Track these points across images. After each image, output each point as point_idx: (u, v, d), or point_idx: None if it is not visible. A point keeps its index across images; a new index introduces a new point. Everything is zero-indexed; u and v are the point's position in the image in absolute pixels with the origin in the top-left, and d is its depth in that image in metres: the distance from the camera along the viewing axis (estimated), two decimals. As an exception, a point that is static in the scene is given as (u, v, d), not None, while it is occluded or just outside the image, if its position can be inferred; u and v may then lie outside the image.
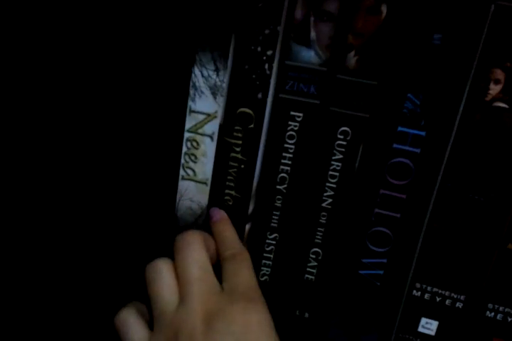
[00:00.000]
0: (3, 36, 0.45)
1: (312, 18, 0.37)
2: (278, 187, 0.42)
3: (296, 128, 0.40)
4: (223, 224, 0.43)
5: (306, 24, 0.37)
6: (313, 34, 0.37)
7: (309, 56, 0.38)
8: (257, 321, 0.36)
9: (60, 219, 0.50)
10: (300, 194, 0.41)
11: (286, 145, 0.40)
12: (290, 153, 0.41)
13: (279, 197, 0.42)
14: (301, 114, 0.39)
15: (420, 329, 0.42)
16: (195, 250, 0.39)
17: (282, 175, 0.41)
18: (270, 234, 0.43)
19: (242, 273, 0.39)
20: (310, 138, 0.40)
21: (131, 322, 0.38)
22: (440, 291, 0.41)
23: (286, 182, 0.41)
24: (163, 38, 0.42)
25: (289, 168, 0.41)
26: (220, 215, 0.44)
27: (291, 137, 0.40)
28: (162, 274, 0.39)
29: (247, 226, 0.44)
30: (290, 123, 0.40)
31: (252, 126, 0.41)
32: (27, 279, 0.52)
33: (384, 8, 0.36)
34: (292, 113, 0.40)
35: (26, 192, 0.50)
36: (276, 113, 0.40)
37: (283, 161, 0.41)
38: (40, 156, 0.48)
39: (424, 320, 0.42)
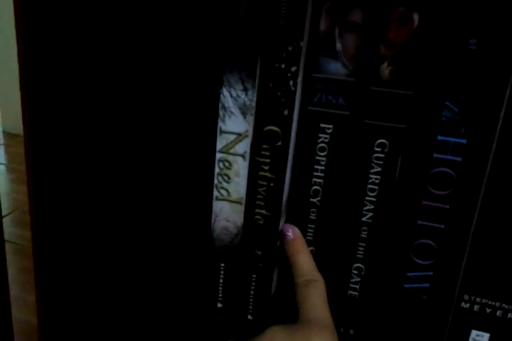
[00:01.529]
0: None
1: (337, 30, 0.35)
2: (311, 200, 0.39)
3: (326, 140, 0.37)
4: (298, 243, 0.40)
5: (331, 36, 0.35)
6: (338, 45, 0.35)
7: (336, 67, 0.36)
8: None
9: (98, 243, 0.48)
10: (337, 207, 0.39)
11: (317, 158, 0.38)
12: (322, 165, 0.38)
13: (313, 209, 0.39)
14: (331, 126, 0.37)
15: (471, 341, 0.39)
16: None
17: (315, 187, 0.39)
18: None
19: (316, 302, 0.38)
20: (344, 151, 0.37)
21: None
22: (490, 302, 0.38)
23: (320, 194, 0.39)
24: (192, 60, 0.40)
25: (321, 181, 0.39)
26: (294, 233, 0.40)
27: (322, 149, 0.38)
28: None
29: (279, 243, 0.41)
30: (320, 135, 0.37)
31: (279, 143, 0.39)
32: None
33: (416, 17, 0.33)
34: (322, 125, 0.37)
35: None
36: (305, 126, 0.38)
37: (315, 174, 0.39)
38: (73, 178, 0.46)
39: (474, 333, 0.39)
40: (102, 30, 0.42)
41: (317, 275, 0.39)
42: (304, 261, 0.39)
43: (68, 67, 0.43)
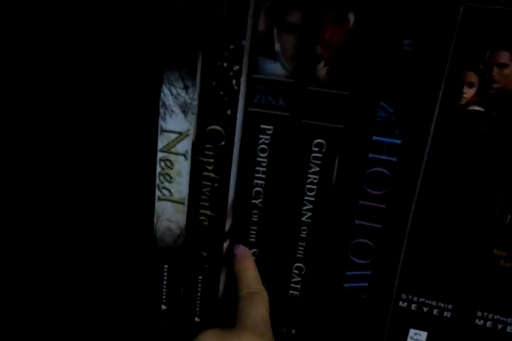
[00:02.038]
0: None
1: (275, 30, 0.34)
2: (253, 201, 0.39)
3: (267, 142, 0.37)
4: (245, 262, 0.40)
5: (269, 36, 0.34)
6: (277, 46, 0.35)
7: (275, 68, 0.35)
8: None
9: (40, 245, 0.46)
10: (278, 208, 0.38)
11: (258, 159, 0.37)
12: (263, 166, 0.37)
13: (255, 211, 0.39)
14: (271, 127, 0.36)
15: (409, 340, 0.39)
16: None
17: (257, 189, 0.38)
18: (249, 250, 0.40)
19: (255, 310, 0.37)
20: (284, 152, 0.37)
21: None
22: (427, 301, 0.38)
23: (262, 196, 0.38)
24: (131, 57, 0.39)
25: (263, 182, 0.38)
26: (242, 253, 0.41)
27: (263, 150, 0.37)
28: None
29: (225, 245, 0.40)
30: (261, 136, 0.37)
31: (222, 143, 0.38)
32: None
33: (351, 17, 0.33)
34: (262, 126, 0.37)
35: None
36: (247, 127, 0.37)
37: (257, 175, 0.38)
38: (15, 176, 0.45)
39: (412, 331, 0.39)
40: (30, 25, 0.40)
41: (261, 288, 0.39)
42: (250, 275, 0.39)
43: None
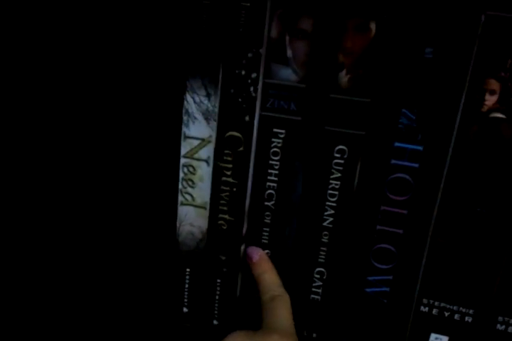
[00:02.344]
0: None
1: (287, 37, 0.35)
2: (266, 203, 0.39)
3: (279, 145, 0.37)
4: (263, 264, 0.40)
5: (282, 43, 0.35)
6: (289, 52, 0.35)
7: (287, 73, 0.36)
8: None
9: (58, 252, 0.47)
10: (297, 212, 0.39)
11: (271, 162, 0.38)
12: (275, 169, 0.38)
13: (268, 213, 0.39)
14: (283, 131, 0.37)
15: (430, 344, 0.39)
16: None
17: (269, 191, 0.39)
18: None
19: (280, 314, 0.37)
20: (302, 157, 0.37)
21: None
22: (448, 306, 0.38)
23: (274, 198, 0.39)
24: (156, 66, 0.40)
25: (275, 184, 0.38)
26: (258, 255, 0.40)
27: (275, 154, 0.38)
28: None
29: (242, 248, 0.41)
30: (273, 140, 0.37)
31: (241, 148, 0.39)
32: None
33: (373, 26, 0.33)
34: (275, 130, 0.37)
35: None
36: (261, 131, 0.37)
37: (269, 178, 0.38)
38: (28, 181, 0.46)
39: (433, 336, 0.39)
40: (61, 31, 0.41)
41: (283, 291, 0.38)
42: (269, 279, 0.39)
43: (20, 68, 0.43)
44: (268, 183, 0.39)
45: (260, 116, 0.37)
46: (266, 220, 0.40)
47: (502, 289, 0.36)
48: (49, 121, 0.44)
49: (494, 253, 0.35)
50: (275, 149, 0.38)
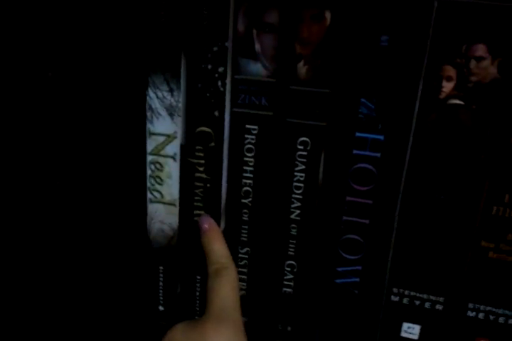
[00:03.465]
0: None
1: (255, 31, 0.34)
2: (243, 200, 0.38)
3: (253, 141, 0.37)
4: (212, 233, 0.39)
5: (249, 37, 0.34)
6: (257, 46, 0.34)
7: (257, 68, 0.35)
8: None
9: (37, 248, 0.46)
10: (267, 207, 0.38)
11: (246, 159, 0.37)
12: (251, 166, 0.37)
13: (245, 210, 0.39)
14: (256, 127, 0.36)
15: (403, 334, 0.39)
16: None
17: (246, 188, 0.38)
18: (242, 248, 0.40)
19: (221, 292, 0.35)
20: (270, 151, 0.37)
21: None
22: (418, 295, 0.37)
23: (251, 195, 0.38)
24: (116, 62, 0.39)
25: (251, 182, 0.38)
26: (208, 224, 0.39)
27: (249, 150, 0.37)
28: None
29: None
30: (247, 136, 0.37)
31: (212, 144, 0.38)
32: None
33: (328, 15, 0.32)
34: (248, 126, 0.36)
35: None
36: (233, 128, 0.37)
37: (245, 175, 0.38)
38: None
39: (406, 325, 0.38)
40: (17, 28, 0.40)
41: (228, 263, 0.37)
42: (217, 249, 0.38)
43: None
44: (244, 180, 0.38)
45: (232, 112, 0.37)
46: (244, 218, 0.39)
47: (470, 276, 0.36)
48: (12, 119, 0.43)
49: (460, 240, 0.35)
50: (249, 145, 0.37)
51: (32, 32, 0.40)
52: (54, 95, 0.41)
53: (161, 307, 0.44)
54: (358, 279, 0.38)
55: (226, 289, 0.36)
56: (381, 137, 0.34)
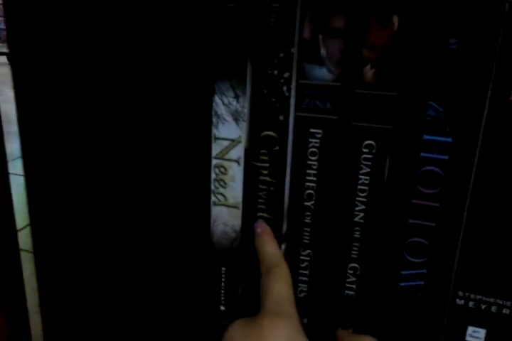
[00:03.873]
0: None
1: (320, 36, 0.34)
2: (306, 203, 0.38)
3: (317, 145, 0.37)
4: (264, 237, 0.40)
5: (315, 42, 0.34)
6: (323, 51, 0.35)
7: (322, 73, 0.35)
8: (284, 336, 0.33)
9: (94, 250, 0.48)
10: (330, 209, 0.38)
11: (309, 162, 0.37)
12: (314, 169, 0.37)
13: (308, 213, 0.39)
14: (320, 131, 0.36)
15: (468, 338, 0.38)
16: None
17: (309, 191, 0.38)
18: (303, 251, 0.40)
19: (276, 288, 0.36)
20: (334, 154, 0.37)
21: None
22: (484, 298, 0.37)
23: (314, 198, 0.38)
24: (184, 69, 0.40)
25: (314, 185, 0.38)
26: (261, 228, 0.40)
27: (313, 154, 0.37)
28: None
29: (283, 246, 0.40)
30: (311, 140, 0.37)
31: (277, 148, 0.38)
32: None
33: (395, 19, 0.32)
34: (312, 130, 0.37)
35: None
36: (296, 131, 0.37)
37: (308, 178, 0.38)
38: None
39: (471, 329, 0.38)
40: (98, 34, 0.42)
41: (279, 261, 0.38)
42: (268, 250, 0.39)
43: (60, 68, 0.43)
44: (307, 183, 0.38)
45: (296, 116, 0.37)
46: (306, 220, 0.39)
47: (539, 280, 0.35)
48: (85, 125, 0.45)
49: (530, 243, 0.34)
50: (313, 149, 0.37)
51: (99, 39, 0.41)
52: (128, 99, 0.42)
53: (222, 307, 0.45)
54: (422, 282, 0.37)
55: (279, 285, 0.36)
56: (449, 139, 0.34)
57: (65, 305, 0.51)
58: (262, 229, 0.40)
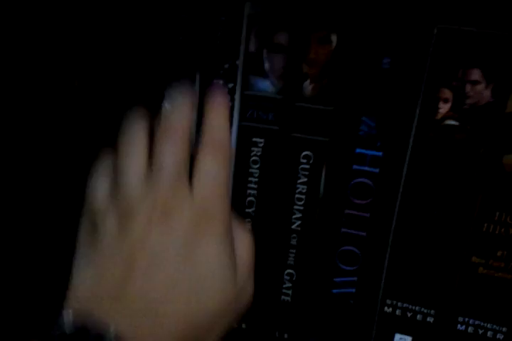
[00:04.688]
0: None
1: (265, 50, 0.35)
2: (247, 210, 0.39)
3: (259, 154, 0.38)
4: (220, 110, 0.32)
5: (259, 56, 0.35)
6: (266, 65, 0.36)
7: (265, 85, 0.36)
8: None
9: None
10: (269, 217, 0.39)
11: (251, 170, 0.38)
12: (255, 177, 0.38)
13: (248, 219, 0.39)
14: (262, 140, 0.37)
15: (395, 344, 0.39)
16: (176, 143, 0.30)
17: (250, 198, 0.39)
18: None
19: (215, 174, 0.30)
20: (275, 163, 0.37)
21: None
22: (411, 306, 0.38)
23: (254, 205, 0.39)
24: (133, 76, 0.40)
25: (255, 192, 0.38)
26: (221, 97, 0.32)
27: (255, 162, 0.38)
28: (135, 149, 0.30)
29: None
30: (253, 149, 0.38)
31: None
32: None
33: (334, 38, 0.34)
34: (254, 139, 0.37)
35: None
36: (240, 140, 0.38)
37: (249, 185, 0.38)
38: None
39: (398, 336, 0.39)
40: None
41: (227, 141, 0.32)
42: (219, 124, 0.32)
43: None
44: (248, 191, 0.39)
45: (239, 125, 0.38)
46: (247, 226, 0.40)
47: (461, 290, 0.36)
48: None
49: (452, 254, 0.35)
50: (255, 158, 0.38)
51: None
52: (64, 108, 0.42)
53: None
54: (353, 290, 0.38)
55: (220, 172, 0.31)
56: (380, 154, 0.35)
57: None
58: (221, 100, 0.32)
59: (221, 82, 0.37)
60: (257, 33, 0.35)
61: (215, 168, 0.30)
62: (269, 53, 0.35)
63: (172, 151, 0.30)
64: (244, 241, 0.32)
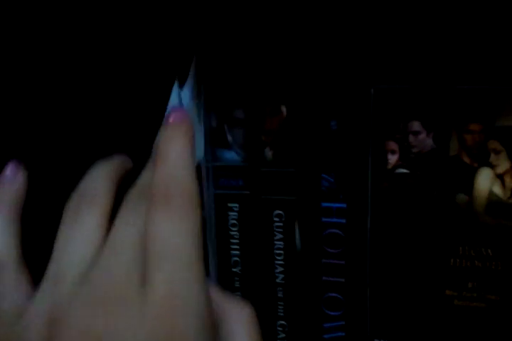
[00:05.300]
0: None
1: (225, 125, 0.38)
2: (233, 269, 0.41)
3: (236, 217, 0.40)
4: (180, 130, 0.24)
5: (221, 130, 0.38)
6: (229, 137, 0.38)
7: (231, 156, 0.39)
8: None
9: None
10: (255, 273, 0.41)
11: (231, 233, 0.40)
12: (236, 238, 0.40)
13: (237, 278, 0.41)
14: (237, 205, 0.40)
15: (390, 381, 0.40)
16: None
17: (235, 258, 0.41)
18: None
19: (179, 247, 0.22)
20: (251, 224, 0.40)
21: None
22: (399, 343, 0.39)
23: (240, 264, 0.41)
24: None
25: (238, 252, 0.41)
26: (181, 116, 0.25)
27: (233, 225, 0.40)
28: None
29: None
30: (229, 213, 0.40)
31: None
32: None
33: (284, 108, 0.37)
34: (229, 204, 0.40)
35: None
36: (218, 207, 0.40)
37: (232, 247, 0.41)
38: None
39: (392, 373, 0.40)
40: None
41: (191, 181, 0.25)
42: (178, 151, 0.25)
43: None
44: (232, 251, 0.41)
45: (215, 194, 0.40)
46: (236, 285, 0.42)
47: (441, 322, 0.38)
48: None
49: (427, 289, 0.37)
50: (233, 221, 0.40)
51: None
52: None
53: None
54: (343, 333, 0.40)
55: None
56: (344, 205, 0.37)
57: None
58: (180, 118, 0.25)
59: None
60: (216, 110, 0.38)
61: (175, 234, 0.21)
62: (230, 127, 0.38)
63: None
64: (243, 319, 0.26)
